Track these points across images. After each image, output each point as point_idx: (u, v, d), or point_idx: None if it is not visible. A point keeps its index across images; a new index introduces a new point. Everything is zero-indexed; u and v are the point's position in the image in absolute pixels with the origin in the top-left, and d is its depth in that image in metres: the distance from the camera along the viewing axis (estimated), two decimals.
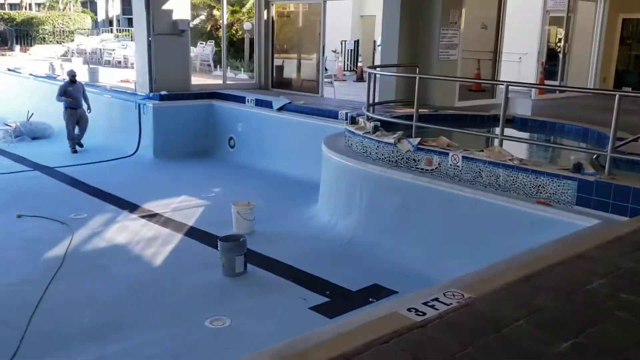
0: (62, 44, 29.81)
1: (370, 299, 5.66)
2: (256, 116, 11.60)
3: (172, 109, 12.05)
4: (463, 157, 6.19)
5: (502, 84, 6.96)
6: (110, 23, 47.31)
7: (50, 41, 30.43)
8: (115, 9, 50.05)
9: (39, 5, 57.72)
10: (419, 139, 6.64)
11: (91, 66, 15.69)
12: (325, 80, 13.75)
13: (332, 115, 10.29)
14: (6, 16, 30.90)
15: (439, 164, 6.43)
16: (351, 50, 21.81)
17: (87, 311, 5.39)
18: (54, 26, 30.60)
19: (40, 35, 30.38)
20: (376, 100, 8.85)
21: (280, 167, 10.74)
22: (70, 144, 12.58)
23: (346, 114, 9.24)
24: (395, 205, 6.63)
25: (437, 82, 10.79)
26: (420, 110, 9.32)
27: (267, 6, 13.64)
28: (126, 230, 7.67)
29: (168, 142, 11.99)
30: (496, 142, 6.46)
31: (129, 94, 12.75)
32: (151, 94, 12.13)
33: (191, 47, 22.00)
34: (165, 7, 12.11)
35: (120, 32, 32.68)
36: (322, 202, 8.03)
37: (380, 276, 6.10)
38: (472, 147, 6.45)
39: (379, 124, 7.35)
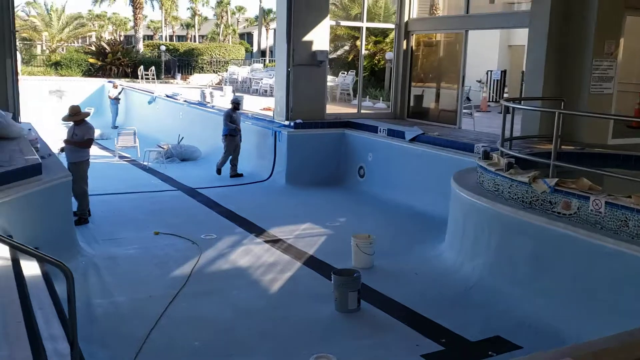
0: (218, 73, 32.05)
1: (490, 353, 5.17)
2: (387, 146, 11.44)
3: (306, 137, 12.28)
4: (606, 202, 5.52)
5: None
6: (263, 54, 50.24)
7: (208, 70, 32.85)
8: (269, 41, 53.11)
9: (202, 37, 63.01)
10: (557, 179, 6.05)
11: (236, 94, 16.55)
12: (465, 111, 13.27)
13: (467, 148, 9.83)
14: (171, 47, 33.91)
15: (578, 209, 5.80)
16: (497, 80, 20.97)
17: (200, 333, 5.50)
18: (211, 56, 32.99)
19: (199, 65, 32.90)
20: (516, 135, 8.32)
21: (410, 200, 10.44)
22: (218, 165, 13.00)
23: (481, 148, 8.76)
24: (527, 251, 6.08)
25: (586, 117, 9.95)
26: (564, 147, 8.72)
27: (407, 36, 13.52)
28: (249, 253, 7.82)
29: (300, 168, 12.20)
30: None
31: (267, 121, 13.23)
32: (287, 122, 12.47)
33: (333, 77, 22.69)
34: (305, 38, 12.44)
35: (270, 62, 34.45)
36: (449, 240, 7.62)
37: (503, 327, 5.58)
38: (620, 192, 5.74)
39: (513, 160, 6.83)
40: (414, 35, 13.51)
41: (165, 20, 72.19)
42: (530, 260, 6.06)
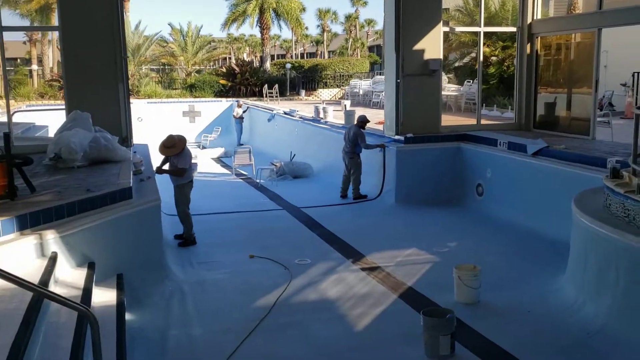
0: (341, 87, 32.03)
1: None
2: (507, 161, 10.32)
3: (417, 152, 11.48)
4: None
5: None
6: None
7: (331, 85, 32.96)
8: None
9: (331, 52, 63.93)
10: None
11: (348, 109, 16.12)
12: (601, 119, 11.72)
13: (599, 163, 8.51)
14: (297, 64, 34.50)
15: None
16: None
17: None
18: (335, 71, 33.05)
19: (323, 80, 33.10)
20: None
21: (532, 222, 9.28)
22: (341, 188, 12.28)
23: (612, 163, 7.47)
24: None
25: None
26: None
27: (531, 39, 12.25)
28: (342, 283, 7.23)
29: (411, 186, 11.42)
30: None
31: (377, 136, 12.60)
32: (397, 136, 11.77)
33: (458, 86, 21.53)
34: (416, 47, 11.70)
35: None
36: (570, 273, 6.49)
37: None
38: None
39: None
40: (539, 37, 12.20)
41: (297, 38, 74.52)
42: None
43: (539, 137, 11.20)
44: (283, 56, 67.48)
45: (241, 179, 15.51)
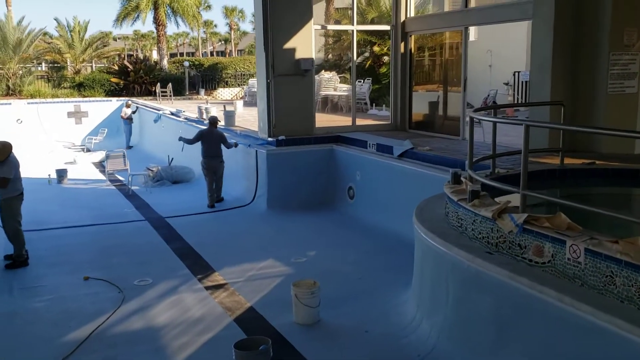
0: (242, 86, 31.17)
1: None
2: (375, 163, 10.00)
3: (288, 156, 10.96)
4: (587, 249, 3.96)
5: None
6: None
7: (232, 84, 32.02)
8: None
9: (240, 51, 62.79)
10: (526, 215, 4.51)
11: (227, 109, 15.41)
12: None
13: (460, 165, 8.27)
14: (196, 62, 33.28)
15: (552, 256, 4.25)
16: (527, 82, 19.11)
17: None
18: (236, 70, 32.15)
19: (224, 79, 32.11)
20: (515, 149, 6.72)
21: (397, 226, 8.96)
22: (209, 197, 11.57)
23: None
24: (488, 313, 4.56)
25: (605, 120, 8.28)
26: (570, 162, 7.09)
27: (405, 37, 12.03)
28: (178, 305, 6.55)
29: (283, 191, 10.89)
30: None
31: (253, 138, 11.99)
32: (269, 139, 11.21)
33: (348, 86, 21.27)
34: (287, 46, 11.16)
35: None
36: (413, 287, 6.13)
37: None
38: (612, 231, 4.19)
39: (478, 186, 5.31)
40: (412, 36, 12.01)
41: (207, 36, 72.73)
42: (494, 324, 4.53)
43: (413, 137, 10.99)
44: (192, 54, 65.60)
45: (115, 185, 14.44)
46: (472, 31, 23.33)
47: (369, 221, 9.78)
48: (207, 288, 7.08)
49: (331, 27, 21.65)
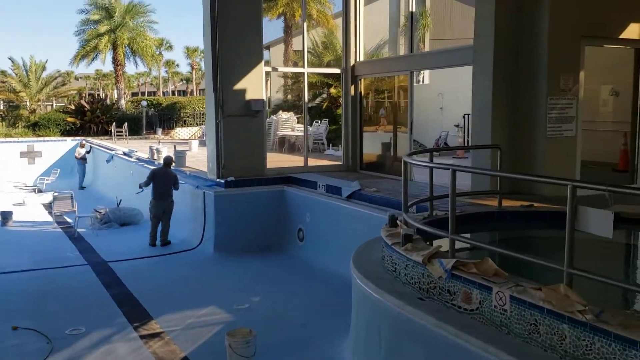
0: (201, 126, 31.04)
1: None
2: (324, 205, 9.94)
3: (237, 197, 10.83)
4: (512, 297, 3.93)
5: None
6: (267, 104, 49.50)
7: (191, 124, 31.89)
8: (269, 91, 52.42)
9: (202, 90, 62.86)
10: (454, 260, 4.47)
11: (178, 149, 15.25)
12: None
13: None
14: (155, 102, 33.10)
15: (480, 303, 4.20)
16: None
17: None
18: (194, 109, 32.06)
19: (182, 118, 31.96)
20: (462, 190, 6.72)
21: (343, 268, 8.64)
22: (150, 236, 11.59)
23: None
24: None
25: (546, 163, 8.44)
26: (508, 204, 7.15)
27: (355, 80, 12.18)
28: (109, 356, 6.27)
29: (231, 234, 10.71)
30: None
31: (202, 179, 11.83)
32: (219, 180, 11.07)
33: (306, 126, 21.37)
34: (237, 86, 11.16)
35: None
36: (351, 335, 5.99)
37: None
38: (544, 276, 4.18)
39: (412, 230, 5.27)
40: (362, 79, 12.17)
41: (169, 76, 72.74)
42: None
43: (364, 178, 11.02)
44: (154, 93, 65.38)
45: (62, 228, 14.00)
46: (426, 75, 23.95)
47: (317, 264, 9.65)
48: (142, 337, 6.80)
49: (282, 69, 21.86)
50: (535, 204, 7.22)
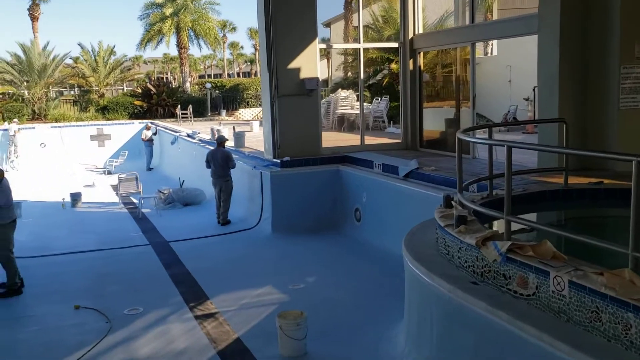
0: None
1: None
2: (379, 185, 9.70)
3: (293, 177, 10.75)
4: (571, 282, 3.61)
5: None
6: (327, 83, 49.20)
7: (254, 104, 32.13)
8: (331, 70, 52.01)
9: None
10: (510, 242, 4.18)
11: (237, 130, 15.30)
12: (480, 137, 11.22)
13: (464, 186, 7.91)
14: (219, 84, 33.53)
15: (537, 288, 3.91)
16: None
17: None
18: (257, 90, 32.25)
19: (245, 100, 32.25)
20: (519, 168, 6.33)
21: (401, 250, 8.60)
22: (216, 215, 11.86)
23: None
24: (470, 350, 4.21)
25: (620, 137, 7.86)
26: (575, 181, 6.69)
27: (414, 54, 11.77)
28: (163, 336, 6.33)
29: (288, 214, 10.66)
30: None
31: (260, 159, 11.83)
32: (275, 160, 11.02)
33: (367, 104, 21.04)
34: (291, 65, 11.01)
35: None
36: (404, 318, 5.79)
37: None
38: (611, 258, 3.84)
39: (466, 212, 4.98)
40: (421, 52, 11.74)
41: (234, 57, 73.62)
42: None
43: (424, 156, 10.68)
44: (220, 75, 66.40)
45: (127, 209, 14.41)
46: (494, 46, 22.97)
47: (375, 244, 9.46)
48: (196, 317, 6.85)
49: (337, 45, 21.47)
50: (606, 181, 6.72)
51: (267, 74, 10.95)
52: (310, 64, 11.09)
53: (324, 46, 11.91)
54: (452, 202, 5.54)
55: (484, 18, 22.97)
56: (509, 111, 18.73)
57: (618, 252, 3.61)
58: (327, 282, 7.96)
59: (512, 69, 19.77)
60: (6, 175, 7.94)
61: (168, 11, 32.71)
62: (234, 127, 16.65)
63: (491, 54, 23.57)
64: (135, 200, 14.95)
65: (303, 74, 11.06)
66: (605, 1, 7.77)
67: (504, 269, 4.19)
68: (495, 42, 21.48)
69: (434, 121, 12.20)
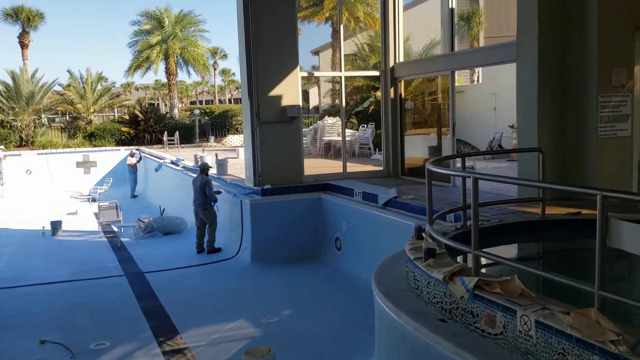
0: None
1: None
2: (359, 213, 9.56)
3: (274, 205, 10.58)
4: (537, 321, 3.45)
5: None
6: (317, 110, 49.31)
7: (242, 131, 32.04)
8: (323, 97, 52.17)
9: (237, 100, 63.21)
10: (477, 279, 4.02)
11: (219, 158, 15.16)
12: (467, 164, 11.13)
13: (442, 216, 7.77)
14: (208, 110, 33.51)
15: (504, 327, 3.74)
16: None
17: None
18: None
19: (234, 126, 32.21)
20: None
21: None
22: (196, 243, 11.63)
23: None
24: None
25: (599, 165, 7.77)
26: (553, 212, 6.57)
27: (394, 82, 11.74)
28: None
29: (268, 243, 10.47)
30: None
31: (240, 187, 11.67)
32: (255, 188, 10.87)
33: (352, 131, 20.98)
34: (272, 93, 10.94)
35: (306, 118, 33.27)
36: (375, 353, 5.59)
37: None
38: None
39: (435, 245, 4.82)
40: (402, 81, 11.70)
41: (226, 84, 73.87)
42: None
43: (404, 184, 10.57)
44: (210, 102, 66.44)
45: (107, 237, 14.16)
46: (480, 74, 23.11)
47: (353, 274, 9.27)
48: (164, 353, 6.62)
49: (318, 73, 21.52)
50: (584, 211, 6.59)
51: (247, 101, 10.87)
52: (292, 91, 11.02)
53: (305, 74, 11.85)
54: (423, 234, 5.39)
55: (470, 46, 23.18)
56: (494, 138, 18.73)
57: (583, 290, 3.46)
58: (303, 315, 7.76)
59: (497, 97, 19.82)
60: None
61: (155, 39, 32.81)
62: (216, 154, 16.52)
63: (478, 81, 23.70)
64: (115, 229, 14.72)
65: (285, 102, 10.99)
66: (583, 30, 7.75)
67: (472, 306, 4.03)
68: (480, 69, 21.60)
69: (416, 149, 12.12)
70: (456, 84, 10.88)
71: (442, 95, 11.56)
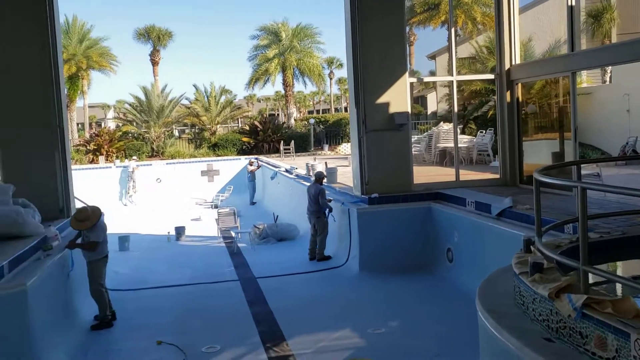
0: None
1: None
2: (472, 224, 9.17)
3: (381, 214, 10.47)
4: None
5: None
6: (435, 115, 48.55)
7: None
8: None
9: None
10: (586, 297, 3.67)
11: (329, 167, 15.27)
12: (588, 172, 10.40)
13: (560, 228, 7.27)
14: (322, 119, 34.08)
15: (616, 351, 3.38)
16: None
17: None
18: None
19: (348, 134, 32.41)
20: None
21: None
22: (309, 250, 11.83)
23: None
24: None
25: None
26: None
27: (511, 85, 11.20)
28: None
29: (376, 253, 10.37)
30: None
31: (349, 195, 11.68)
32: (363, 197, 10.82)
33: (469, 137, 20.31)
34: (379, 100, 10.86)
35: (421, 124, 32.78)
36: None
37: None
38: None
39: (542, 259, 4.48)
40: (519, 83, 11.13)
41: (342, 93, 74.85)
42: None
43: (522, 193, 10.04)
44: (327, 111, 67.68)
45: (226, 243, 14.79)
46: (610, 73, 21.44)
47: (466, 287, 8.87)
48: (270, 359, 6.74)
49: (428, 78, 20.98)
50: None
51: (355, 108, 10.87)
52: (400, 97, 10.87)
53: (414, 79, 11.64)
54: (531, 247, 5.04)
55: (601, 43, 21.60)
56: (627, 143, 17.29)
57: None
58: (410, 327, 7.58)
59: (630, 98, 18.28)
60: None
61: (272, 53, 33.95)
62: (326, 163, 16.68)
63: (610, 81, 22.04)
64: (233, 234, 15.34)
65: (393, 108, 10.86)
66: None
67: (580, 326, 3.69)
68: (610, 69, 20.07)
69: (537, 155, 11.46)
70: (584, 84, 10.16)
71: (565, 97, 10.85)
